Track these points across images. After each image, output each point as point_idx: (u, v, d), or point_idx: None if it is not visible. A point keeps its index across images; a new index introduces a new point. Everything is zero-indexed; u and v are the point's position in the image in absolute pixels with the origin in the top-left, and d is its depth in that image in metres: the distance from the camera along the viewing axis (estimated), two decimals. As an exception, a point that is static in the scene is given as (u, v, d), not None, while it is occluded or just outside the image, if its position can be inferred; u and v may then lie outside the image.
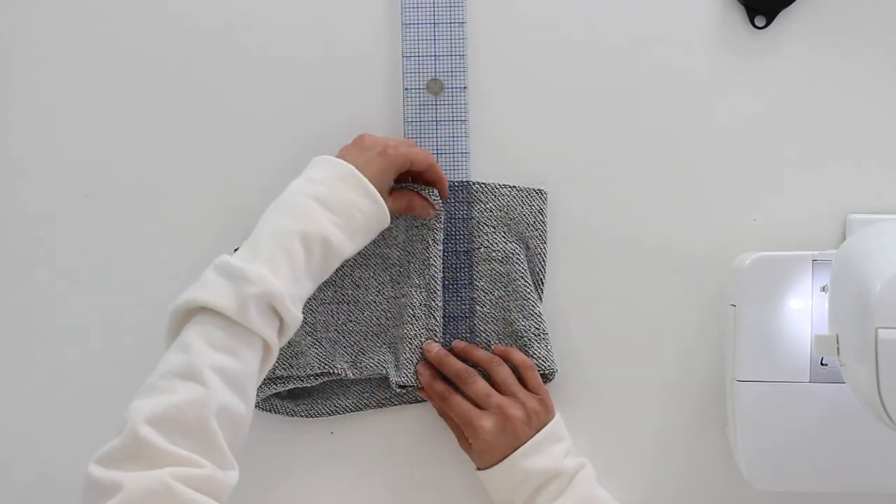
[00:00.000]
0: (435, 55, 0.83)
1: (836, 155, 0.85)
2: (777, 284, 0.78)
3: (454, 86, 0.84)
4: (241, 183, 0.87)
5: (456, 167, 0.84)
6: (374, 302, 0.85)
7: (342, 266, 0.83)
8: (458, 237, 0.85)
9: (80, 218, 0.87)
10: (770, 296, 0.78)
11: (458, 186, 0.84)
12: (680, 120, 0.85)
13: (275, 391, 0.84)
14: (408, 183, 0.82)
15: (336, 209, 0.72)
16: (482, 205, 0.84)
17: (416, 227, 0.83)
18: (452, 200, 0.84)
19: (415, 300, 0.84)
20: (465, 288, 0.84)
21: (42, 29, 0.87)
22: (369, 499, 0.87)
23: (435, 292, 0.83)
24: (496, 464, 0.79)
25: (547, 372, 0.84)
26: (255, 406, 0.83)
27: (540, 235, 0.84)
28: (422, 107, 0.84)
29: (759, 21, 0.84)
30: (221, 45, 0.86)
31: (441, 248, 0.83)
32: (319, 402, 0.86)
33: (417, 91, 0.84)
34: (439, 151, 0.84)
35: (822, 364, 0.77)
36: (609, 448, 0.86)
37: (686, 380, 0.86)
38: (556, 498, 0.78)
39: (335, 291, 0.84)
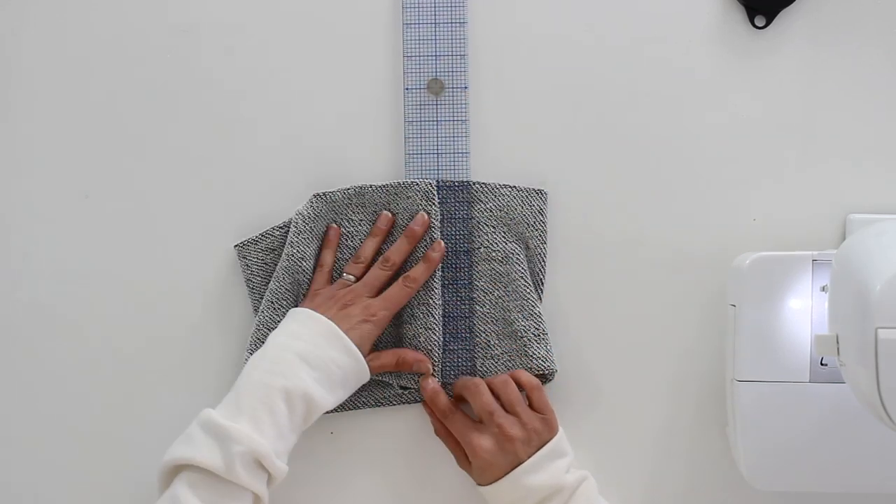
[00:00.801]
0: (436, 55, 0.83)
1: (836, 155, 0.85)
2: (777, 284, 0.78)
3: (455, 85, 0.84)
4: (241, 183, 0.87)
5: (456, 167, 0.84)
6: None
7: (341, 266, 0.84)
8: (457, 237, 0.85)
9: (80, 218, 0.87)
10: (770, 296, 0.78)
11: (458, 186, 0.84)
12: (680, 120, 0.85)
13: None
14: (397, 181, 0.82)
15: (317, 366, 0.76)
16: (482, 205, 0.84)
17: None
18: (452, 200, 0.84)
19: (414, 300, 0.84)
20: (465, 288, 0.84)
21: (42, 29, 0.87)
22: (369, 499, 0.87)
23: (434, 291, 0.83)
24: (495, 481, 0.79)
25: (546, 372, 0.84)
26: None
27: (540, 235, 0.84)
28: (422, 106, 0.84)
29: (759, 21, 0.84)
30: (221, 45, 0.86)
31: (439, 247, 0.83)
32: None
33: (418, 91, 0.84)
34: (439, 151, 0.84)
35: (822, 364, 0.77)
36: (609, 448, 0.86)
37: (686, 380, 0.86)
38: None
39: None
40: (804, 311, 0.77)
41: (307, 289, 0.84)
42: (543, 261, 0.85)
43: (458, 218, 0.84)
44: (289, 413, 0.73)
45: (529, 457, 0.79)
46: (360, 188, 0.84)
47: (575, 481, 0.79)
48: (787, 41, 0.85)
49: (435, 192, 0.83)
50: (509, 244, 0.84)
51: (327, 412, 0.85)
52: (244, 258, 0.85)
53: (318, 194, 0.84)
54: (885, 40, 0.84)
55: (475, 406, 0.81)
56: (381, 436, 0.87)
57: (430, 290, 0.83)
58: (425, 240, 0.83)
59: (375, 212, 0.84)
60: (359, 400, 0.86)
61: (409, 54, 0.84)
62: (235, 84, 0.86)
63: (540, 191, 0.84)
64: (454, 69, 0.84)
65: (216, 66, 0.86)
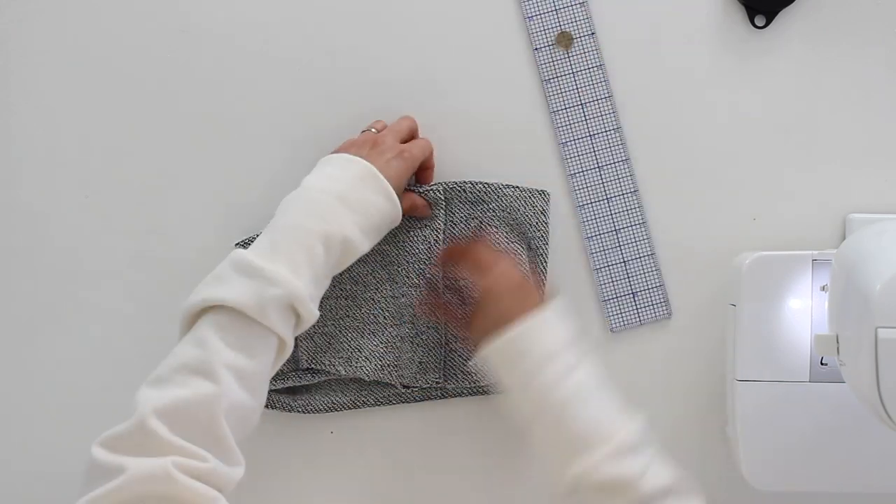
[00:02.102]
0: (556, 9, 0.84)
1: (836, 155, 0.85)
2: (777, 284, 0.78)
3: (582, 34, 0.84)
4: (241, 183, 0.87)
5: (602, 114, 0.85)
6: (373, 299, 0.85)
7: (349, 276, 0.84)
8: (460, 237, 0.84)
9: (80, 218, 0.87)
10: (770, 296, 0.78)
11: (460, 187, 0.83)
12: (679, 120, 0.85)
13: (272, 387, 0.83)
14: (413, 186, 0.82)
15: (357, 209, 0.72)
16: (485, 205, 0.84)
17: (419, 227, 0.83)
18: (455, 201, 0.83)
19: (414, 299, 0.84)
20: (466, 287, 0.84)
21: (42, 29, 0.87)
22: (368, 498, 0.87)
23: (436, 292, 0.83)
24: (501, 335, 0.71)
25: None
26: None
27: (542, 236, 0.84)
28: (555, 63, 0.85)
29: (759, 21, 0.84)
30: (222, 44, 0.86)
31: (442, 247, 0.83)
32: (317, 397, 0.86)
33: (547, 49, 0.84)
34: (582, 102, 0.84)
35: (822, 364, 0.77)
36: (609, 448, 0.86)
37: (686, 380, 0.86)
38: (575, 367, 0.71)
39: (333, 286, 0.84)
40: (804, 311, 0.77)
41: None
42: (545, 261, 0.85)
43: (460, 218, 0.84)
44: (326, 257, 0.70)
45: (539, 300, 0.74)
46: None
47: (578, 350, 0.72)
48: (787, 41, 0.85)
49: (441, 196, 0.82)
50: (512, 244, 0.84)
51: (324, 410, 0.85)
52: None
53: None
54: (885, 40, 0.84)
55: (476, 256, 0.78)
56: (381, 435, 0.87)
57: (432, 290, 0.83)
58: (428, 240, 0.83)
59: None
60: (359, 399, 0.86)
61: (531, 15, 0.85)
62: (236, 84, 0.87)
63: (542, 191, 0.84)
64: (577, 18, 0.85)
65: (217, 65, 0.86)
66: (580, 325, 0.85)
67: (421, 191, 0.82)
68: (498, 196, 0.83)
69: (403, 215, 0.80)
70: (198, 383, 0.63)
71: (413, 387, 0.85)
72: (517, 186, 0.84)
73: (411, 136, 0.82)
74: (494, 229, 0.84)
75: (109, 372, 0.87)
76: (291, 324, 0.68)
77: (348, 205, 0.72)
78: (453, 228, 0.84)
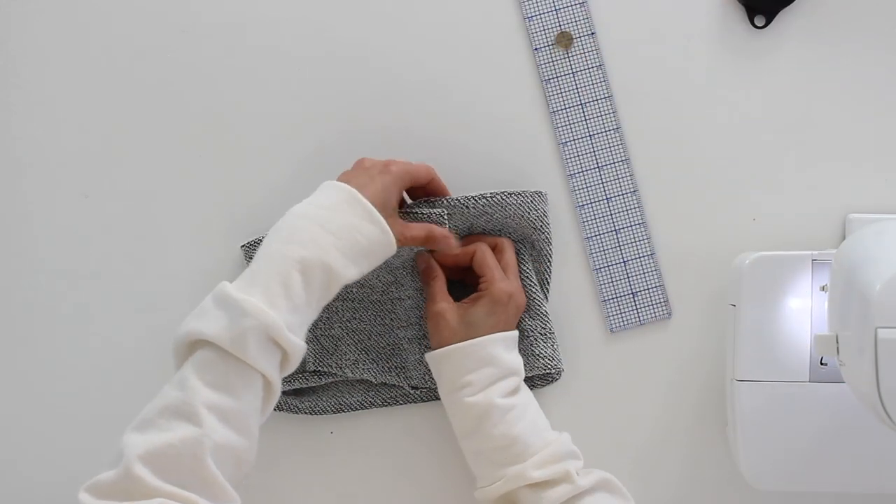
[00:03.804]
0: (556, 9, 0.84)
1: (835, 154, 0.85)
2: (777, 284, 0.78)
3: (582, 34, 0.84)
4: (241, 183, 0.87)
5: (602, 114, 0.85)
6: (379, 302, 0.85)
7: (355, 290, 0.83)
8: (463, 240, 0.84)
9: (80, 218, 0.87)
10: (770, 296, 0.78)
11: (462, 203, 0.82)
12: (679, 120, 0.85)
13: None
14: (414, 204, 0.81)
15: (337, 233, 0.70)
16: (488, 216, 0.83)
17: (418, 252, 0.83)
18: (458, 216, 0.82)
19: (422, 302, 0.84)
20: (472, 289, 0.84)
21: (42, 29, 0.87)
22: (368, 498, 0.87)
23: None
24: (471, 338, 0.78)
25: (553, 371, 0.84)
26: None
27: (545, 237, 0.84)
28: (555, 63, 0.84)
29: (759, 21, 0.84)
30: (223, 44, 0.86)
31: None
32: (324, 399, 0.86)
33: (547, 49, 0.84)
34: (582, 102, 0.84)
35: (822, 364, 0.77)
36: (609, 448, 0.86)
37: (686, 380, 0.86)
38: (513, 393, 0.78)
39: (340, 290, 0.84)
40: (804, 311, 0.77)
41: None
42: (549, 261, 0.85)
43: (464, 231, 0.83)
44: (304, 284, 0.68)
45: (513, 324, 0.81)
46: None
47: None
48: (786, 41, 0.85)
49: (445, 219, 0.81)
50: (514, 245, 0.84)
51: (331, 411, 0.85)
52: (250, 258, 0.85)
53: None
54: (885, 40, 0.84)
55: (477, 260, 0.81)
56: (381, 436, 0.87)
57: None
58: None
59: None
60: (366, 400, 0.86)
61: (531, 15, 0.84)
62: (237, 83, 0.87)
63: (540, 193, 0.84)
64: (577, 18, 0.85)
65: (217, 66, 0.86)
66: (580, 325, 0.85)
67: (424, 213, 0.80)
68: (501, 206, 0.82)
69: (415, 245, 0.78)
70: (180, 426, 0.62)
71: (422, 387, 0.85)
72: (518, 193, 0.83)
73: (419, 179, 0.79)
74: (496, 232, 0.84)
75: (109, 372, 0.87)
76: (276, 360, 0.67)
77: (327, 229, 0.70)
78: (456, 233, 0.84)
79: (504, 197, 0.82)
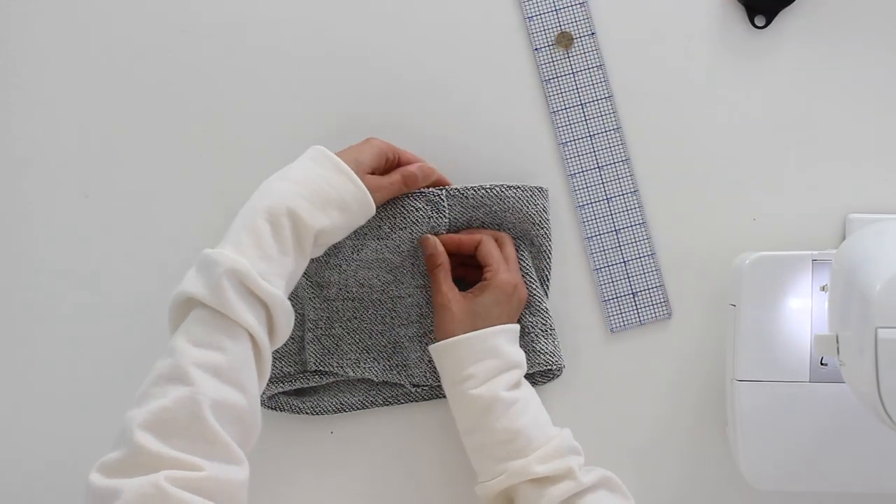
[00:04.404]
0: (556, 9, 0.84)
1: (835, 154, 0.85)
2: (777, 284, 0.78)
3: (582, 34, 0.84)
4: (241, 183, 0.86)
5: (602, 114, 0.85)
6: (379, 301, 0.85)
7: (345, 270, 0.83)
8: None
9: (80, 218, 0.87)
10: (770, 296, 0.78)
11: (462, 193, 0.82)
12: (679, 120, 0.85)
13: (280, 390, 0.83)
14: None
15: (302, 182, 0.71)
16: (487, 208, 0.83)
17: (423, 234, 0.82)
18: (457, 207, 0.83)
19: (422, 300, 0.84)
20: (472, 285, 0.84)
21: (42, 29, 0.87)
22: (368, 498, 0.87)
23: None
24: (476, 329, 0.78)
25: (554, 367, 0.84)
26: (261, 404, 0.83)
27: (545, 233, 0.84)
28: (555, 63, 0.84)
29: (759, 21, 0.84)
30: (223, 44, 0.86)
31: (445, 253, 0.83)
32: (325, 399, 0.86)
33: (547, 49, 0.84)
34: (582, 102, 0.84)
35: (822, 364, 0.77)
36: (609, 447, 0.86)
37: (686, 380, 0.86)
38: (516, 386, 0.78)
39: (339, 290, 0.84)
40: (804, 311, 0.77)
41: (307, 293, 0.83)
42: (549, 257, 0.85)
43: (464, 223, 0.84)
44: (273, 231, 0.69)
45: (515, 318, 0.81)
46: None
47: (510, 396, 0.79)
48: (786, 41, 0.85)
49: (445, 204, 0.82)
50: (514, 241, 0.84)
51: (332, 411, 0.85)
52: None
53: None
54: (885, 40, 0.84)
55: (483, 251, 0.82)
56: (380, 435, 0.87)
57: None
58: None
59: (381, 226, 0.81)
60: (367, 399, 0.86)
61: (531, 15, 0.85)
62: (237, 83, 0.87)
63: (541, 188, 0.84)
64: (577, 18, 0.85)
65: (217, 65, 0.86)
66: (580, 325, 0.85)
67: (423, 191, 0.81)
68: (500, 199, 0.83)
69: (391, 196, 0.78)
70: (174, 389, 0.63)
71: (423, 385, 0.85)
72: (518, 187, 0.83)
73: (411, 160, 0.81)
74: (496, 227, 0.84)
75: (109, 372, 0.87)
76: (259, 314, 0.67)
77: (291, 180, 0.72)
78: (456, 229, 0.84)
79: (503, 189, 0.83)
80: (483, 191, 0.82)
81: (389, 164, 0.79)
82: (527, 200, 0.83)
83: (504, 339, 0.79)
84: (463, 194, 0.82)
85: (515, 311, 0.81)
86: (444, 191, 0.82)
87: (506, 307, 0.80)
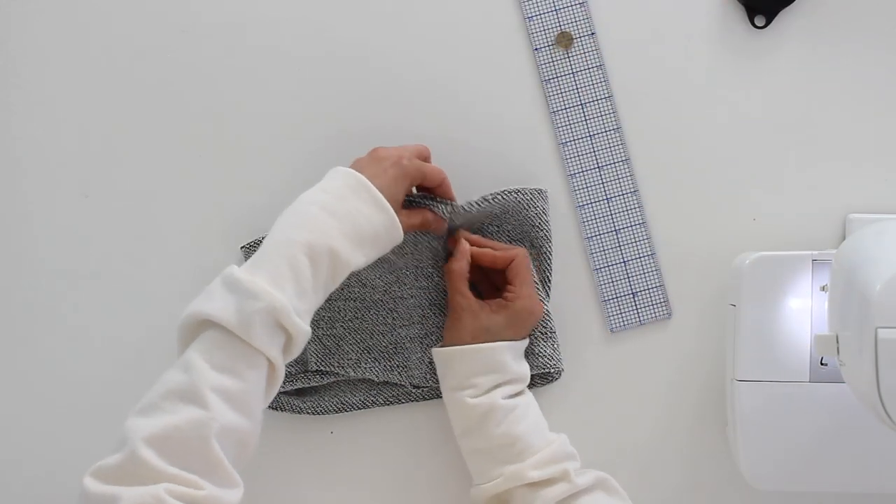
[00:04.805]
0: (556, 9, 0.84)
1: (835, 154, 0.85)
2: (777, 284, 0.78)
3: (582, 34, 0.84)
4: (241, 183, 0.87)
5: (602, 114, 0.85)
6: (381, 301, 0.85)
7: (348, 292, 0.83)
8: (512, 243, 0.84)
9: (80, 218, 0.87)
10: (770, 296, 0.78)
11: (465, 209, 0.82)
12: (679, 120, 0.85)
13: (281, 390, 0.83)
14: (419, 196, 0.80)
15: (343, 218, 0.70)
16: (487, 213, 0.83)
17: (424, 242, 0.82)
18: (461, 218, 0.82)
19: (424, 301, 0.84)
20: (473, 288, 0.84)
21: (42, 29, 0.87)
22: (368, 498, 0.87)
23: (444, 293, 0.83)
24: (489, 340, 0.79)
25: (553, 370, 0.84)
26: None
27: (545, 235, 0.84)
28: (555, 63, 0.84)
29: (759, 21, 0.84)
30: (223, 44, 0.86)
31: (446, 255, 0.83)
32: (326, 398, 0.86)
33: (547, 49, 0.84)
34: (582, 102, 0.84)
35: (822, 364, 0.77)
36: (609, 448, 0.86)
37: (686, 380, 0.86)
38: (516, 394, 0.79)
39: (341, 289, 0.84)
40: (804, 311, 0.77)
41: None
42: (549, 259, 0.85)
43: (464, 225, 0.83)
44: (312, 269, 0.68)
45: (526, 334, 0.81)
46: None
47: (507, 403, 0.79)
48: (786, 41, 0.85)
49: (448, 210, 0.81)
50: (515, 243, 0.84)
51: (333, 411, 0.85)
52: None
53: None
54: (885, 40, 0.84)
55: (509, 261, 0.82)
56: (381, 436, 0.87)
57: (438, 290, 0.84)
58: (434, 249, 0.83)
59: None
60: (368, 399, 0.86)
61: (531, 15, 0.85)
62: (237, 83, 0.87)
63: (540, 190, 0.84)
64: (577, 18, 0.85)
65: (217, 65, 0.86)
66: (580, 326, 0.85)
67: (428, 203, 0.80)
68: (502, 204, 0.83)
69: (413, 231, 0.79)
70: (186, 409, 0.62)
71: (423, 386, 0.85)
72: (517, 191, 0.83)
73: (430, 179, 0.79)
74: (496, 229, 0.84)
75: (108, 372, 0.87)
76: (280, 343, 0.67)
77: (333, 214, 0.70)
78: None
79: (505, 195, 0.83)
80: (486, 203, 0.82)
81: (416, 185, 0.79)
82: (526, 204, 0.83)
83: (510, 356, 0.79)
84: (468, 211, 0.82)
85: (526, 330, 0.82)
86: (449, 206, 0.80)
87: (518, 330, 0.81)
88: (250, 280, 0.66)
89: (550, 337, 0.84)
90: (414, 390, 0.85)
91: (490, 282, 0.84)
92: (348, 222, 0.70)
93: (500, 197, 0.82)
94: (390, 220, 0.73)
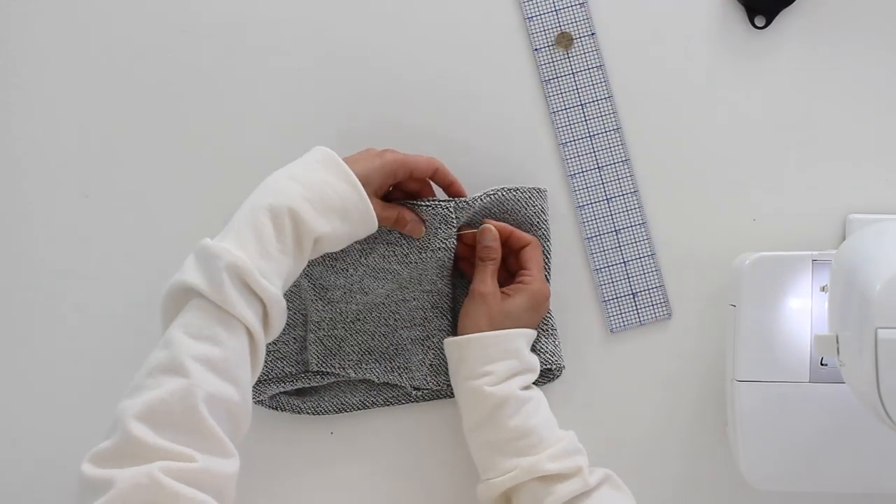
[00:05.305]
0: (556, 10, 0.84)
1: (836, 155, 0.85)
2: (777, 284, 0.78)
3: (582, 34, 0.84)
4: (241, 183, 0.86)
5: (602, 114, 0.85)
6: (383, 304, 0.84)
7: (352, 275, 0.83)
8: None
9: (80, 218, 0.87)
10: (770, 296, 0.78)
11: (469, 204, 0.82)
12: (679, 120, 0.85)
13: (281, 390, 0.83)
14: (425, 201, 0.80)
15: (308, 185, 0.71)
16: (487, 211, 0.83)
17: (431, 250, 0.81)
18: (464, 216, 0.82)
19: (426, 303, 0.84)
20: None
21: (42, 29, 0.87)
22: (368, 498, 0.87)
23: (446, 296, 0.83)
24: (503, 327, 0.79)
25: (553, 367, 0.84)
26: (262, 404, 0.84)
27: (544, 234, 0.84)
28: (555, 63, 0.85)
29: (759, 21, 0.84)
30: (223, 44, 0.86)
31: (452, 264, 0.83)
32: (326, 399, 0.86)
33: (547, 49, 0.84)
34: (582, 102, 0.84)
35: (822, 364, 0.77)
36: (609, 448, 0.86)
37: (686, 380, 0.86)
38: (529, 386, 0.79)
39: (344, 293, 0.84)
40: (804, 311, 0.77)
41: (310, 294, 0.83)
42: (549, 257, 0.85)
43: (465, 224, 0.83)
44: (275, 230, 0.69)
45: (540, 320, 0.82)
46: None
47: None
48: (786, 41, 0.85)
49: (454, 216, 0.81)
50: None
51: (333, 411, 0.85)
52: None
53: None
54: (885, 40, 0.84)
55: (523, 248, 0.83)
56: (381, 436, 0.87)
57: (441, 294, 0.83)
58: (441, 261, 0.82)
59: (391, 231, 0.80)
60: (368, 400, 0.86)
61: (531, 15, 0.85)
62: (237, 83, 0.87)
63: (539, 189, 0.84)
64: (577, 19, 0.85)
65: (217, 65, 0.86)
66: (580, 326, 0.85)
67: (431, 203, 0.80)
68: (500, 202, 0.83)
69: (388, 227, 0.79)
70: (170, 381, 0.63)
71: (423, 388, 0.85)
72: (516, 189, 0.83)
73: (419, 170, 0.79)
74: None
75: (109, 372, 0.87)
76: (256, 311, 0.67)
77: (298, 181, 0.71)
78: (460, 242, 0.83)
79: (503, 193, 0.83)
80: (488, 198, 0.83)
81: (400, 180, 0.78)
82: (525, 202, 0.83)
83: (524, 343, 0.80)
84: (470, 205, 0.82)
85: (538, 319, 0.83)
86: (452, 202, 0.81)
87: (534, 315, 0.81)
88: (215, 244, 0.67)
89: (552, 334, 0.84)
90: (414, 392, 0.85)
91: (504, 269, 0.84)
92: (314, 190, 0.71)
93: (499, 193, 0.82)
94: (359, 196, 0.73)
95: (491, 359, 0.78)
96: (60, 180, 0.87)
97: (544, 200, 0.85)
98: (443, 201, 0.81)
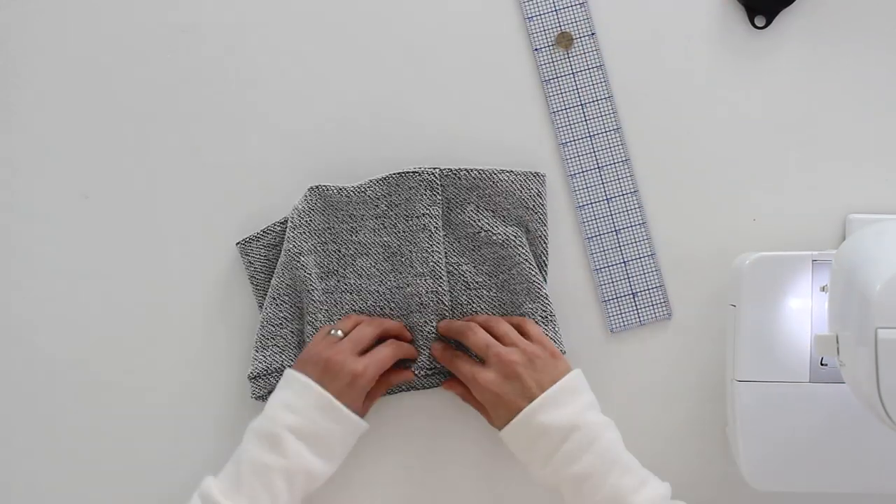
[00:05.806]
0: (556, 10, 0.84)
1: (836, 155, 0.85)
2: (777, 284, 0.78)
3: (582, 34, 0.84)
4: (241, 183, 0.87)
5: (602, 114, 0.85)
6: (378, 292, 0.85)
7: (344, 256, 0.84)
8: (457, 223, 0.84)
9: (80, 218, 0.87)
10: (770, 296, 0.78)
11: (454, 174, 0.83)
12: (679, 120, 0.85)
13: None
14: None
15: (315, 442, 0.76)
16: (480, 191, 0.84)
17: (416, 216, 0.83)
18: (451, 187, 0.84)
19: (421, 289, 0.84)
20: (469, 273, 0.84)
21: (42, 29, 0.87)
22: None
23: (440, 278, 0.83)
24: (512, 419, 0.76)
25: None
26: (262, 399, 0.84)
27: (540, 218, 0.84)
28: (555, 63, 0.85)
29: (759, 21, 0.84)
30: (223, 45, 0.86)
31: (442, 234, 0.83)
32: None
33: (547, 49, 0.84)
34: (582, 102, 0.84)
35: (822, 364, 0.77)
36: (609, 448, 0.86)
37: (686, 380, 0.86)
38: (578, 458, 0.74)
39: (338, 280, 0.84)
40: (804, 311, 0.77)
41: (305, 286, 0.84)
42: (545, 243, 0.85)
43: (457, 204, 0.84)
44: (289, 490, 0.75)
45: (539, 387, 0.76)
46: (359, 187, 0.84)
47: (595, 423, 0.75)
48: (787, 41, 0.85)
49: (438, 182, 0.83)
50: (509, 227, 0.84)
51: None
52: (246, 255, 0.85)
53: (313, 187, 0.84)
54: (885, 40, 0.84)
55: (471, 344, 0.80)
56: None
57: (437, 278, 0.83)
58: (427, 228, 0.83)
59: (377, 205, 0.84)
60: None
61: (531, 15, 0.85)
62: (237, 84, 0.87)
63: (537, 173, 0.84)
64: (577, 19, 0.85)
65: (216, 66, 0.86)
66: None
67: (417, 170, 0.82)
68: (493, 181, 0.83)
69: (395, 238, 0.81)
70: None
71: (421, 375, 0.85)
72: (511, 171, 0.84)
73: (375, 340, 0.82)
74: (491, 213, 0.84)
75: (111, 372, 0.87)
76: None
77: (305, 439, 0.76)
78: (449, 214, 0.84)
79: (496, 172, 0.83)
80: (476, 171, 0.83)
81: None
82: (520, 185, 0.84)
83: (552, 407, 0.76)
84: (456, 174, 0.83)
85: (544, 371, 0.78)
86: (437, 169, 0.83)
87: (525, 381, 0.77)
88: None
89: (551, 320, 0.84)
90: (416, 379, 0.85)
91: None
92: (321, 444, 0.77)
93: (489, 172, 0.83)
94: (360, 429, 0.79)
95: (521, 449, 0.77)
96: (60, 180, 0.87)
97: (541, 185, 0.85)
98: (428, 168, 0.82)
